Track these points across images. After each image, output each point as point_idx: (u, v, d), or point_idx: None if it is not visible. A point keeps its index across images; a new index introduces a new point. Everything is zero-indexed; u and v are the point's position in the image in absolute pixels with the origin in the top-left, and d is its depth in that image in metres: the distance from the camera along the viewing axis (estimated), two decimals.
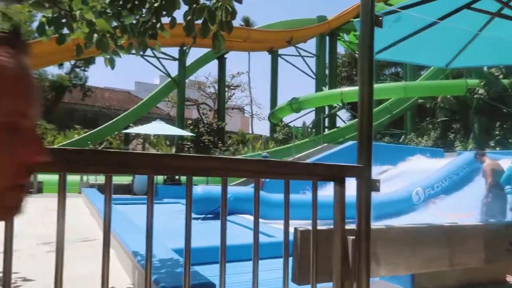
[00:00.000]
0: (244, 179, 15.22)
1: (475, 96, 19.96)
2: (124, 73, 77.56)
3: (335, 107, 25.35)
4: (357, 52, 35.01)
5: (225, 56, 27.80)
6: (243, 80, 45.46)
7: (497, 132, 20.43)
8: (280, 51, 28.20)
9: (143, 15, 3.15)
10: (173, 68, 24.97)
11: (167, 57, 24.00)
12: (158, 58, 23.85)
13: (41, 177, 13.01)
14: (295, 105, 23.86)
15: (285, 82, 50.10)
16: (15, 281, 3.95)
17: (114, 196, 8.19)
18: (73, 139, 21.94)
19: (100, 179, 13.22)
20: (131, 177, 12.47)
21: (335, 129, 23.90)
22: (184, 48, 23.42)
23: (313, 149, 16.67)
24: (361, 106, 2.15)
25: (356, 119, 20.49)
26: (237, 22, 38.62)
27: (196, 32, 3.19)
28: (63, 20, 3.24)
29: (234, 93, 37.76)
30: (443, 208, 9.66)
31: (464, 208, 9.14)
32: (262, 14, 72.81)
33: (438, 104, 22.32)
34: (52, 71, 30.40)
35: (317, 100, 23.85)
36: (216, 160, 1.71)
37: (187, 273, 1.61)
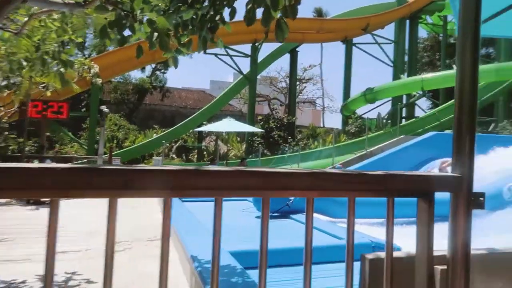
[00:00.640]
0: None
1: None
2: (200, 73, 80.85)
3: (414, 95, 23.61)
4: (441, 35, 32.35)
5: (297, 49, 27.35)
6: (315, 72, 44.52)
7: None
8: (355, 40, 27.00)
9: (202, 8, 2.96)
10: (246, 65, 25.20)
11: (240, 55, 24.25)
12: (230, 56, 24.23)
13: None
14: (370, 95, 22.66)
15: (359, 72, 48.17)
16: (79, 282, 4.07)
17: None
18: (151, 138, 23.19)
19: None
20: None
21: (414, 119, 22.24)
22: (256, 44, 23.44)
23: (389, 142, 15.64)
24: (460, 94, 1.60)
25: (438, 108, 19.01)
26: (309, 14, 37.99)
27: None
28: (124, 21, 3.19)
29: (305, 87, 37.17)
30: None
31: None
32: (337, 4, 70.76)
33: None
34: (136, 75, 32.57)
35: (395, 89, 22.40)
36: (256, 177, 1.24)
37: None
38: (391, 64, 26.46)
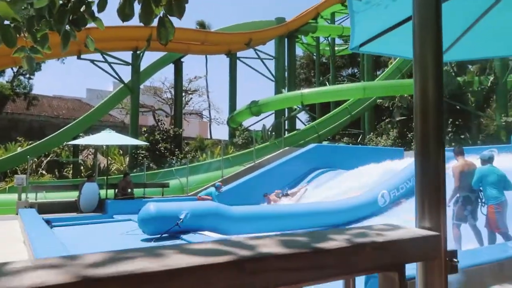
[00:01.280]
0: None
1: None
2: (75, 80, 74.05)
3: (295, 109, 25.04)
4: (314, 54, 35.26)
5: (182, 60, 26.82)
6: (201, 84, 44.50)
7: (449, 129, 20.87)
8: (239, 54, 27.61)
9: None
10: (127, 74, 23.69)
11: (119, 62, 22.71)
12: (109, 63, 22.53)
13: None
14: (255, 108, 23.29)
15: (244, 85, 49.66)
16: None
17: (58, 216, 7.04)
18: (14, 152, 20.14)
19: (41, 197, 11.94)
20: (77, 193, 11.32)
21: (296, 131, 23.55)
22: (138, 52, 22.24)
23: (275, 153, 16.14)
24: (422, 108, 1.37)
25: (316, 121, 20.21)
26: (192, 26, 37.74)
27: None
28: None
29: (191, 98, 36.74)
30: (409, 211, 9.33)
31: None
32: (218, 18, 72.10)
33: (396, 103, 22.54)
34: None
35: (277, 103, 23.43)
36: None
37: None
38: (273, 79, 27.74)
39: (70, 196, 12.05)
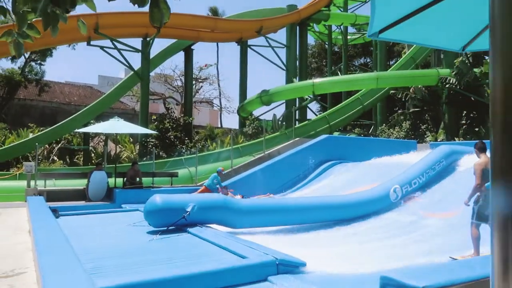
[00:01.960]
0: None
1: (446, 86, 19.75)
2: (87, 67, 74.34)
3: (306, 99, 24.70)
4: (326, 43, 34.64)
5: (192, 47, 26.58)
6: (212, 72, 44.21)
7: (463, 122, 20.38)
8: (250, 42, 27.26)
9: None
10: (137, 61, 23.59)
11: (129, 49, 22.55)
12: (119, 50, 22.39)
13: None
14: (265, 97, 23.01)
15: (255, 74, 49.22)
16: None
17: (66, 204, 6.93)
18: (26, 138, 20.24)
19: (50, 184, 11.94)
20: (85, 181, 11.29)
21: (306, 122, 23.24)
22: (148, 39, 22.04)
23: (285, 144, 15.91)
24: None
25: (328, 111, 19.92)
26: (204, 12, 37.35)
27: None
28: None
29: (202, 86, 36.54)
30: (424, 207, 9.08)
31: (446, 206, 8.60)
32: (231, 4, 71.30)
33: (409, 94, 22.03)
34: (3, 65, 28.21)
35: (288, 92, 23.11)
36: None
37: None
38: (284, 68, 27.35)
39: (79, 184, 12.04)
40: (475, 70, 19.69)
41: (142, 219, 7.21)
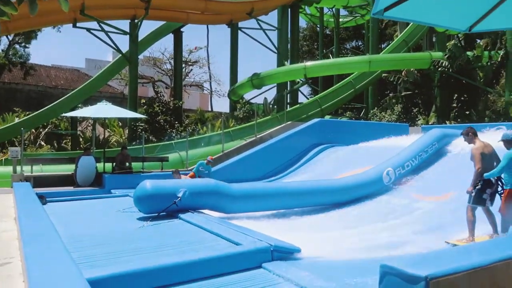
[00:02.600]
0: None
1: (439, 69, 19.67)
2: (73, 50, 72.74)
3: (298, 82, 24.46)
4: (318, 26, 34.18)
5: (182, 29, 26.01)
6: (202, 55, 43.47)
7: (454, 105, 20.40)
8: (241, 24, 26.72)
9: None
10: (125, 44, 22.96)
11: (116, 31, 21.96)
12: (106, 32, 21.80)
13: None
14: (256, 81, 22.71)
15: (246, 57, 48.64)
16: None
17: (54, 190, 6.70)
18: (12, 123, 19.78)
19: (37, 169, 11.67)
20: (73, 166, 11.03)
21: (298, 105, 23.04)
22: (136, 21, 21.45)
23: (277, 128, 15.76)
24: None
25: (319, 94, 19.80)
26: None
27: None
28: None
29: (192, 69, 36.02)
30: (416, 189, 9.06)
31: (438, 189, 8.58)
32: None
33: (402, 78, 21.93)
34: None
35: (280, 76, 22.81)
36: None
37: None
38: (276, 51, 26.99)
39: (67, 169, 11.79)
40: (468, 53, 19.61)
41: (132, 205, 7.04)
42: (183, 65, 30.48)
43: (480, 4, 2.52)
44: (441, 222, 6.79)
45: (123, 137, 22.07)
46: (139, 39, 22.79)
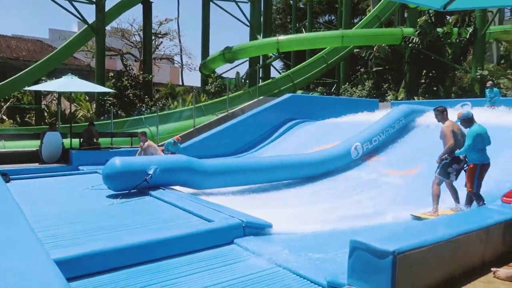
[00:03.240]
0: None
1: (409, 45, 19.91)
2: (35, 20, 68.85)
3: (270, 57, 24.22)
4: None
5: (151, 0, 24.98)
6: (172, 27, 42.21)
7: (423, 81, 20.84)
8: None
9: None
10: (91, 14, 21.87)
11: (82, 0, 20.87)
12: (70, 1, 20.69)
13: None
14: (228, 55, 22.32)
15: (218, 30, 47.54)
16: None
17: (18, 167, 6.43)
18: None
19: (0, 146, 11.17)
20: (38, 142, 10.62)
21: (270, 80, 22.90)
22: None
23: (249, 103, 15.65)
24: None
25: (291, 69, 19.68)
26: None
27: None
28: None
29: (162, 42, 34.91)
30: (383, 164, 9.29)
31: (404, 164, 8.83)
32: None
33: (373, 53, 22.09)
34: None
35: (252, 50, 22.47)
36: None
37: None
38: (248, 24, 26.47)
39: (31, 145, 11.34)
40: (438, 29, 19.89)
41: (101, 182, 6.86)
42: (153, 38, 29.47)
43: None
44: (407, 196, 7.02)
45: (91, 112, 21.36)
46: (106, 9, 21.78)
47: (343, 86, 24.39)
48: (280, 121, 13.86)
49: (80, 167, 9.87)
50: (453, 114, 6.23)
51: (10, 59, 30.24)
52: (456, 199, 5.76)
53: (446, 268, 3.00)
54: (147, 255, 3.82)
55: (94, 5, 20.87)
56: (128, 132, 13.60)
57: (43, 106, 22.00)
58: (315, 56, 23.43)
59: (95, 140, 11.16)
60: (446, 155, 5.66)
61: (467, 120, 5.46)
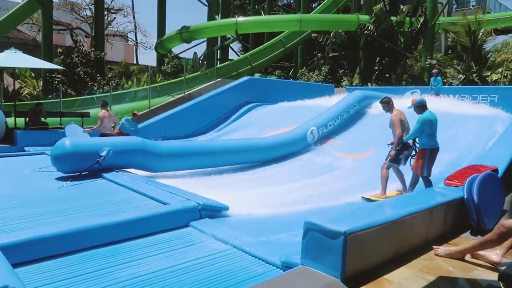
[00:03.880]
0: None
1: (365, 32, 20.39)
2: None
3: (229, 38, 23.92)
4: None
5: None
6: (126, 3, 40.40)
7: (376, 68, 21.53)
8: None
9: None
10: None
11: None
12: None
13: None
14: (186, 34, 21.77)
15: (175, 8, 46.08)
16: None
17: None
18: None
19: None
20: None
21: (228, 62, 22.69)
22: None
23: (206, 84, 15.45)
24: None
25: (250, 52, 19.52)
26: None
27: None
28: None
29: (115, 18, 33.35)
30: (338, 148, 9.58)
31: (357, 148, 9.16)
32: None
33: (330, 39, 22.42)
34: None
35: (210, 30, 22.07)
36: None
37: None
38: (206, 3, 25.89)
39: None
40: (392, 18, 20.50)
41: (49, 163, 6.55)
42: (105, 13, 28.08)
43: None
44: (359, 178, 7.31)
45: (37, 90, 20.16)
46: None
47: (300, 71, 24.66)
48: (238, 104, 13.83)
49: (25, 148, 9.35)
50: (402, 104, 6.53)
51: None
52: (403, 182, 6.08)
53: (393, 246, 3.18)
54: (99, 239, 3.72)
55: None
56: (78, 112, 13.01)
57: None
58: (273, 39, 23.44)
59: (42, 120, 10.58)
60: (398, 145, 5.92)
61: (421, 107, 5.72)
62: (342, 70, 22.93)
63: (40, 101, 12.16)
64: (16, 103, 11.64)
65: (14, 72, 16.14)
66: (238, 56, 29.05)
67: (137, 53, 36.19)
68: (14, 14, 21.17)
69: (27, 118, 10.53)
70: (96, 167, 6.33)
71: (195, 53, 23.20)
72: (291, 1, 39.54)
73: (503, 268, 3.04)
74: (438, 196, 3.92)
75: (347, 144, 9.72)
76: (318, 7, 24.96)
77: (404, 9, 22.81)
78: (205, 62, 22.99)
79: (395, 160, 5.99)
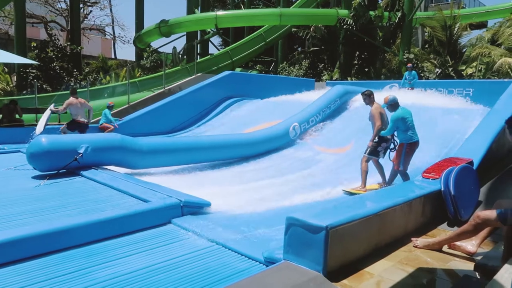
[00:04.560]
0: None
1: (344, 26, 20.54)
2: None
3: (209, 32, 23.71)
4: None
5: None
6: None
7: (355, 62, 21.75)
8: None
9: None
10: None
11: None
12: None
13: None
14: (165, 28, 21.47)
15: (153, 1, 45.34)
16: None
17: None
18: None
19: None
20: None
21: (209, 56, 22.50)
22: None
23: (187, 79, 15.29)
24: None
25: (230, 46, 19.39)
26: None
27: None
28: None
29: (91, 11, 32.61)
30: (319, 143, 9.67)
31: (338, 142, 9.27)
32: None
33: (310, 33, 22.50)
34: None
35: (190, 24, 21.80)
36: None
37: None
38: None
39: None
40: (371, 12, 20.70)
41: (25, 162, 6.38)
42: (81, 5, 27.41)
43: None
44: (340, 172, 7.40)
45: (11, 85, 19.56)
46: None
47: (281, 65, 24.69)
48: (219, 99, 13.76)
49: (0, 146, 9.08)
50: (381, 98, 6.62)
51: None
52: (382, 175, 6.19)
53: (374, 239, 3.24)
54: (79, 239, 3.66)
55: None
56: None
57: None
58: (253, 34, 23.37)
59: (17, 117, 10.29)
60: (376, 137, 6.03)
61: (393, 105, 5.86)
62: (323, 65, 23.08)
63: (14, 97, 11.80)
64: None
65: None
66: (219, 50, 28.85)
67: (115, 48, 35.57)
68: None
69: (1, 115, 10.22)
70: (74, 165, 6.21)
71: (174, 47, 22.90)
72: None
73: (479, 258, 3.14)
74: (417, 189, 4.00)
75: (328, 138, 9.82)
76: (297, 2, 25.00)
77: (382, 4, 23.07)
78: (185, 57, 22.75)
79: (373, 153, 6.09)
